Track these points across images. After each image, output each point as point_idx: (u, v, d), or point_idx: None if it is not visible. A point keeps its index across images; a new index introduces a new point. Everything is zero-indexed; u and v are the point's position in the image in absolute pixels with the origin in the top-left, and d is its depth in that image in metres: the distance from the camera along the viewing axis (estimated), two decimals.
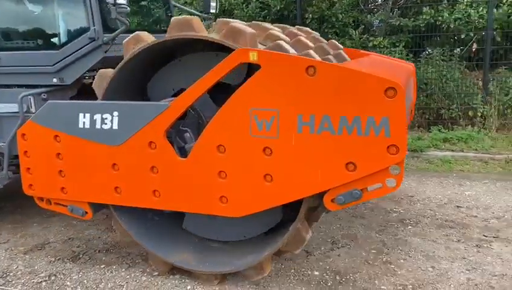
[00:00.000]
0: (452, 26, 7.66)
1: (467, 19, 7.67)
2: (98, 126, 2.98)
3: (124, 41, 3.07)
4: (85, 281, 3.35)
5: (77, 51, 3.75)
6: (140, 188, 3.00)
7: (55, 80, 3.88)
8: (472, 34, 7.63)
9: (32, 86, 3.91)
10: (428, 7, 7.95)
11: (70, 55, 3.77)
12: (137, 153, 2.94)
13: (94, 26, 3.67)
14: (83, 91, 4.20)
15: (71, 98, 4.05)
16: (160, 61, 3.29)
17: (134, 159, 2.96)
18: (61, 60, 3.80)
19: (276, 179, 2.62)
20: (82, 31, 3.75)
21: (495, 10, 7.37)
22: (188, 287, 3.19)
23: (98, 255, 3.77)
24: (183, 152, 2.97)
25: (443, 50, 7.79)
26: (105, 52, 3.73)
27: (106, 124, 2.96)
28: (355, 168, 2.44)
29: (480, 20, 7.52)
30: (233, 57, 2.57)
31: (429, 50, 7.91)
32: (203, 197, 2.85)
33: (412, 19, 8.12)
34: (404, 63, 4.54)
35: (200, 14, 5.23)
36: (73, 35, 3.82)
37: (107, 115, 2.95)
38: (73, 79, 3.86)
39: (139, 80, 3.34)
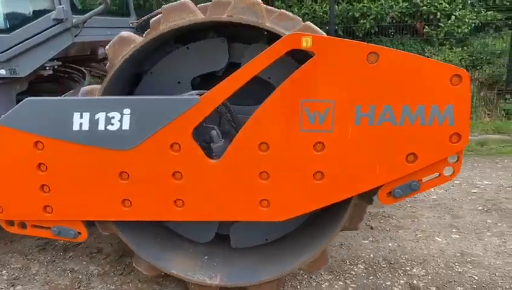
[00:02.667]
0: None
1: (313, 14, 8.47)
2: (101, 128, 2.43)
3: (107, 48, 2.54)
4: None
5: (37, 35, 3.02)
6: (157, 198, 2.54)
7: (3, 71, 3.09)
8: None
9: None
10: (279, 1, 8.57)
11: (26, 40, 3.02)
12: (154, 158, 2.47)
13: (61, 4, 2.98)
14: (35, 85, 3.45)
15: (19, 94, 3.29)
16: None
17: (151, 164, 2.48)
18: (13, 47, 3.03)
19: (328, 176, 2.42)
20: (44, 11, 3.03)
21: (336, 7, 8.16)
22: None
23: None
24: (207, 153, 2.58)
25: None
26: (75, 36, 3.08)
27: (113, 124, 2.42)
28: (415, 159, 2.35)
29: (325, 15, 8.34)
30: (281, 44, 2.27)
31: None
32: (240, 202, 2.52)
33: None
34: None
35: None
36: (30, 15, 3.06)
37: (114, 114, 2.41)
38: (29, 70, 3.11)
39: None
